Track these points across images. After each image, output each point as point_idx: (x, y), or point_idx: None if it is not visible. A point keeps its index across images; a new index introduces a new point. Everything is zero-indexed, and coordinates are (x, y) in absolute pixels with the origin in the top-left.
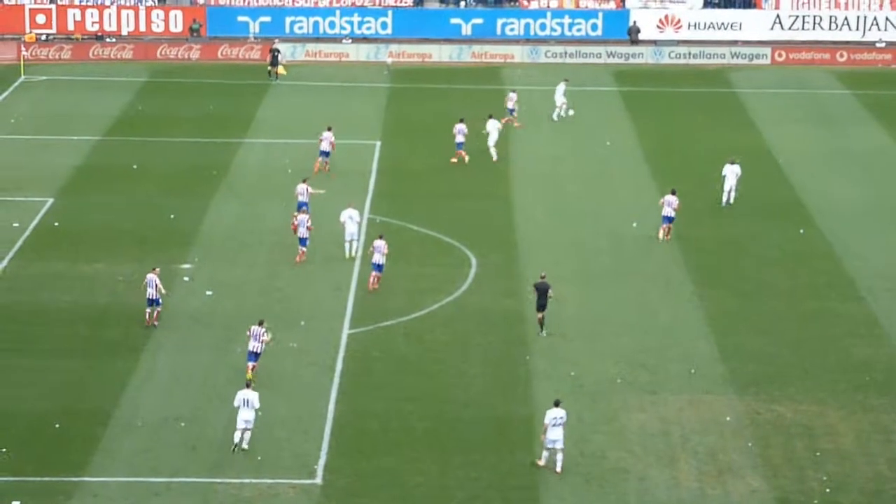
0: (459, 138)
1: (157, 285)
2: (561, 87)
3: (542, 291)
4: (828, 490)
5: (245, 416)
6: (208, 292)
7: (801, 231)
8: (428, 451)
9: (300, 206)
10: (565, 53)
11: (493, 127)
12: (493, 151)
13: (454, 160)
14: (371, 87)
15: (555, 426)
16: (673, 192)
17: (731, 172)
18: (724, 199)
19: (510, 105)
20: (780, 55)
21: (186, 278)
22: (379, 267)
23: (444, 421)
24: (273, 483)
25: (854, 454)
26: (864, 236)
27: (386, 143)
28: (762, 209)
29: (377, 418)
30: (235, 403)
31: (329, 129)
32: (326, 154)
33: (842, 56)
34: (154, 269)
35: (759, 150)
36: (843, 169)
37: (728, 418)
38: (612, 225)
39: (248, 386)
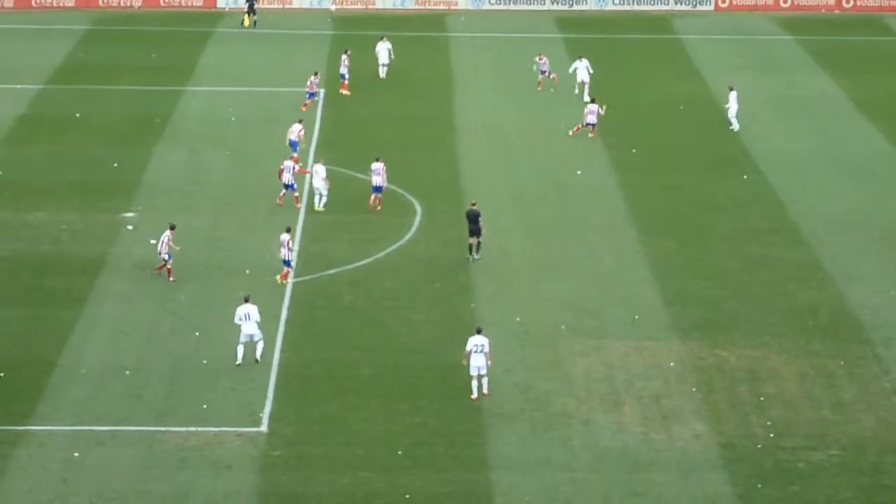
0: (343, 70)
1: (168, 242)
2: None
3: (472, 218)
4: (772, 435)
5: (248, 331)
6: (152, 241)
7: (745, 177)
8: (373, 398)
9: (292, 145)
10: (509, 0)
11: (382, 47)
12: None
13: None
14: (315, 34)
15: (476, 353)
16: (593, 101)
17: (733, 99)
18: (731, 123)
19: (343, 70)
20: (723, 1)
21: (130, 227)
22: (378, 188)
23: (390, 368)
24: (219, 431)
25: (798, 399)
26: (808, 182)
27: (330, 91)
28: (706, 156)
29: (322, 366)
30: (236, 320)
31: (300, 122)
32: (295, 145)
33: (786, 2)
34: (172, 228)
35: (702, 97)
36: (787, 116)
37: (672, 364)
38: (556, 174)
39: (246, 300)
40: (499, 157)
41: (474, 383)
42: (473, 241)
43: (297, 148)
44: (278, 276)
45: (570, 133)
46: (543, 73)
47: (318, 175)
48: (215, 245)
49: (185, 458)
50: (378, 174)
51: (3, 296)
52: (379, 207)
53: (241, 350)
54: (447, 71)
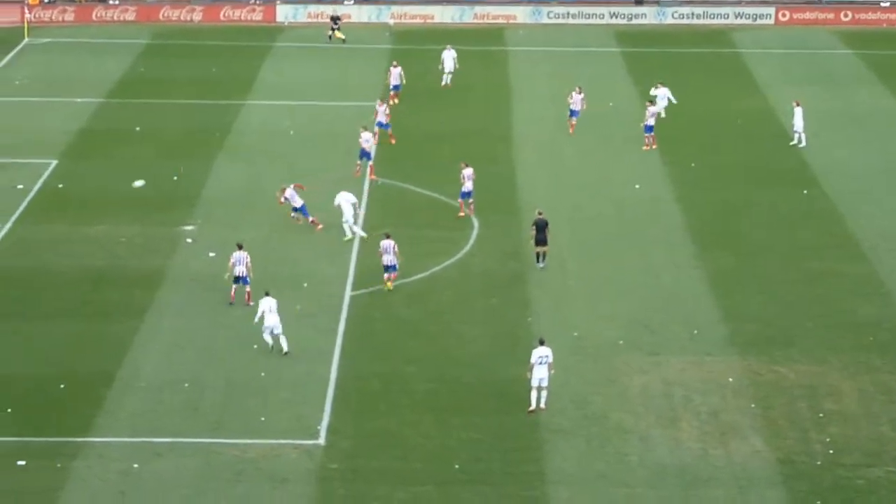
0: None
1: (246, 263)
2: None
3: (540, 227)
4: (831, 451)
5: (269, 323)
6: (211, 254)
7: (805, 192)
8: (429, 413)
9: (363, 155)
10: (567, 14)
11: (448, 55)
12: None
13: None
14: (373, 48)
15: (540, 364)
16: (651, 102)
17: (799, 115)
18: (795, 139)
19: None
20: (783, 15)
21: (189, 240)
22: (467, 194)
23: (446, 382)
24: (276, 444)
25: (857, 415)
26: (868, 197)
27: (390, 105)
28: (765, 171)
29: (379, 380)
30: (259, 313)
31: (364, 129)
32: (368, 155)
33: (846, 16)
34: (240, 247)
35: (761, 111)
36: (847, 130)
37: (730, 379)
38: (614, 188)
39: (267, 294)
40: (556, 171)
41: (534, 395)
42: (540, 249)
43: (370, 156)
44: (386, 283)
45: (644, 148)
46: (574, 114)
47: (348, 202)
48: (273, 258)
49: (242, 471)
50: (469, 180)
51: (62, 308)
52: (470, 212)
53: (268, 338)
54: (505, 84)
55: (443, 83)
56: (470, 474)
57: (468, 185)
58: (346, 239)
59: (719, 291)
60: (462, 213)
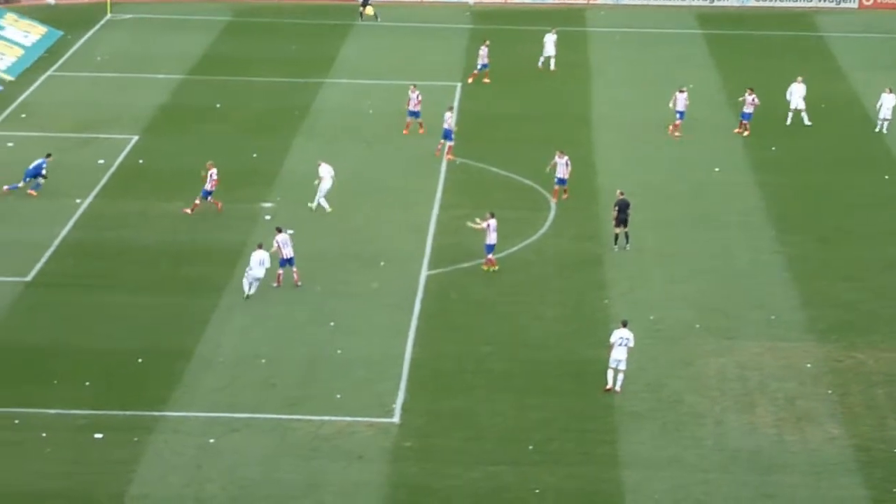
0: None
1: (290, 245)
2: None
3: (622, 207)
4: None
5: (258, 275)
6: (289, 231)
7: (886, 177)
8: (504, 393)
9: (447, 135)
10: None
11: (549, 39)
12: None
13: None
14: (453, 28)
15: (620, 346)
16: (751, 90)
17: (888, 101)
18: (878, 126)
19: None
20: None
21: (267, 217)
22: (562, 181)
23: (521, 363)
24: (351, 421)
25: None
26: None
27: (467, 85)
28: (847, 155)
29: (454, 359)
30: (254, 264)
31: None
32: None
33: None
34: (282, 230)
35: (844, 95)
36: None
37: (808, 365)
38: (692, 171)
39: (259, 247)
40: (635, 153)
41: (610, 374)
42: (620, 230)
43: (451, 136)
44: (484, 264)
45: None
46: (680, 115)
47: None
48: (350, 236)
49: (317, 448)
50: (563, 166)
51: (142, 284)
52: (565, 196)
53: (247, 285)
54: (585, 65)
55: (549, 67)
56: (544, 454)
57: (561, 171)
58: (312, 207)
59: (799, 276)
60: (554, 199)
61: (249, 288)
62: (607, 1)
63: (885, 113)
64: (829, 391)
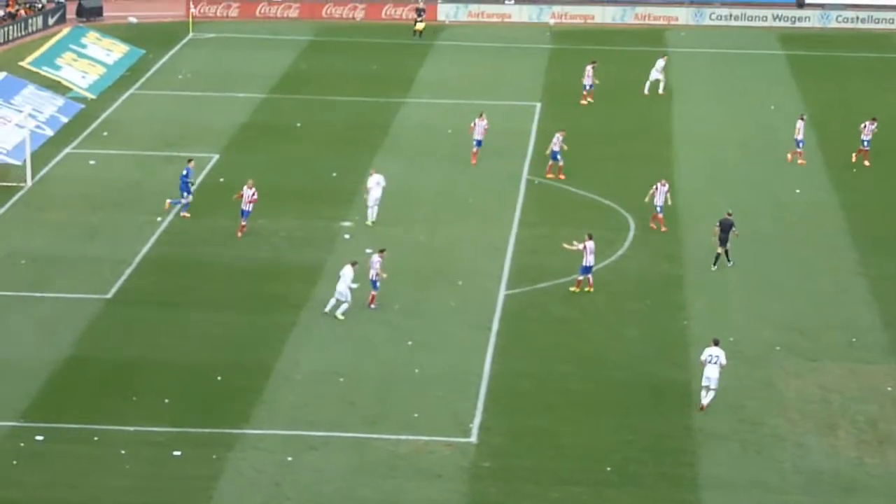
0: (586, 80)
1: (378, 268)
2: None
3: (726, 227)
4: None
5: (340, 288)
6: (368, 250)
7: None
8: (582, 413)
9: (554, 156)
10: (730, 16)
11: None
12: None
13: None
14: (533, 48)
15: (710, 364)
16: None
17: None
18: None
19: (586, 81)
20: None
21: (347, 235)
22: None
23: (600, 383)
24: (428, 440)
25: None
26: None
27: (546, 104)
28: None
29: (532, 379)
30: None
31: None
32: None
33: None
34: (381, 252)
35: None
36: None
37: (889, 388)
38: (774, 191)
39: (353, 265)
40: (716, 173)
41: (703, 392)
42: (721, 249)
43: (558, 157)
44: (575, 287)
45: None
46: (799, 143)
47: (379, 185)
48: (429, 255)
49: (395, 466)
50: (661, 195)
51: (223, 301)
52: (663, 229)
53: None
54: (667, 85)
55: (646, 90)
56: (623, 476)
57: (659, 199)
58: (369, 223)
59: (881, 298)
60: (653, 226)
61: (335, 304)
62: (688, 21)
63: None
64: None
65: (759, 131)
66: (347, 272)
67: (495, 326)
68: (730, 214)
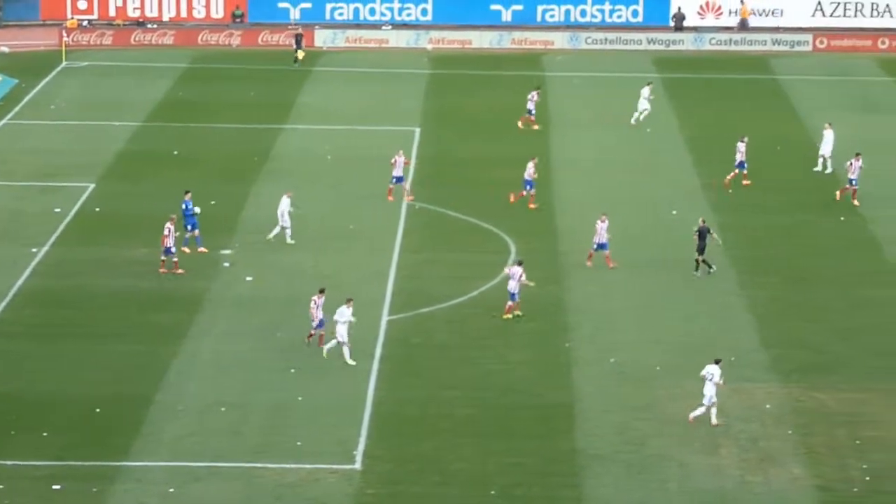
0: (530, 105)
1: (320, 307)
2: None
3: (703, 234)
4: (868, 478)
5: (341, 330)
6: (248, 278)
7: (842, 219)
8: (468, 438)
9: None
10: (605, 40)
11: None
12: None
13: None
14: (411, 73)
15: (707, 381)
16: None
17: (828, 138)
18: (820, 165)
19: (530, 105)
20: (821, 42)
21: (227, 264)
22: (602, 246)
23: (485, 407)
24: (313, 468)
25: None
26: None
27: (426, 130)
28: (805, 197)
29: (417, 404)
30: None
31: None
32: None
33: (884, 43)
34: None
35: (800, 138)
36: (887, 157)
37: (768, 406)
38: (655, 213)
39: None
40: (595, 196)
41: (701, 409)
42: (700, 257)
43: (532, 185)
44: (511, 312)
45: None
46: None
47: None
48: (314, 282)
49: (281, 496)
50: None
51: (104, 331)
52: (610, 265)
53: (330, 345)
54: (543, 110)
55: (633, 120)
56: (509, 499)
57: (601, 237)
58: (269, 237)
59: (762, 318)
60: (589, 263)
61: (336, 346)
62: (564, 46)
63: (826, 150)
64: (790, 431)
65: (636, 154)
66: (345, 312)
67: (378, 352)
68: (704, 222)
